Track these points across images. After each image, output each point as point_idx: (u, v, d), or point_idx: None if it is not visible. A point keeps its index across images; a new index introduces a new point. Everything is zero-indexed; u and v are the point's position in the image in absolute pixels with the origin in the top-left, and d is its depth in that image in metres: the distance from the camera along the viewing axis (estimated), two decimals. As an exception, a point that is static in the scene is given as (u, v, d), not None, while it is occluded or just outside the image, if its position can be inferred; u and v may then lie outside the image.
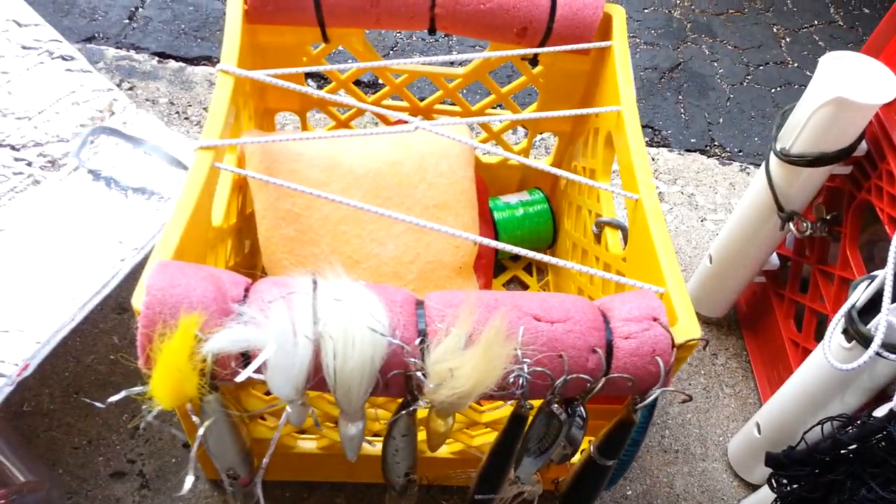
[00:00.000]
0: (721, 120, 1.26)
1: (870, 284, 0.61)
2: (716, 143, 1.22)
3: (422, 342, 0.46)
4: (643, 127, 1.22)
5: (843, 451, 0.56)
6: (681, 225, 1.07)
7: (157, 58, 1.19)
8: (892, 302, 0.57)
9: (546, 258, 0.58)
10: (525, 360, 0.47)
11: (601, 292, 0.73)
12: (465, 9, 0.75)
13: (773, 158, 0.75)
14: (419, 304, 0.49)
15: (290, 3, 0.73)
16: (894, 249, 0.59)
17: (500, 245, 0.59)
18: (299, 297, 0.45)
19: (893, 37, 0.73)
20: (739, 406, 0.88)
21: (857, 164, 0.75)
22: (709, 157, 1.19)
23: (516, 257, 0.95)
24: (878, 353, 0.57)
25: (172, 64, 1.18)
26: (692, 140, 1.22)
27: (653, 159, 1.16)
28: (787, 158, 0.73)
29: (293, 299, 0.45)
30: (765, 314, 0.90)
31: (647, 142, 1.21)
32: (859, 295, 0.61)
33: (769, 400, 0.75)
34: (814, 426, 0.61)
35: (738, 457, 0.81)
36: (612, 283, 0.62)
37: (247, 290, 0.47)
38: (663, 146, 1.20)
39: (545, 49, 0.76)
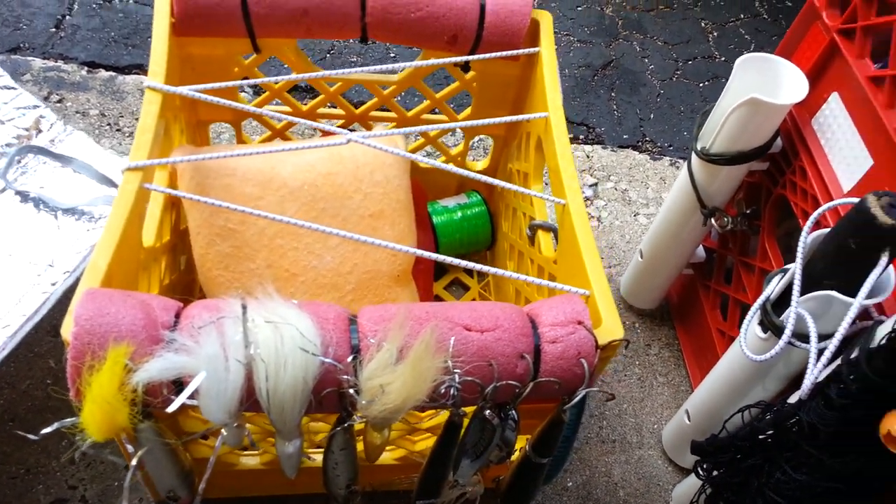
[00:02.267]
0: (652, 115, 1.30)
1: (783, 277, 0.65)
2: (647, 139, 1.26)
3: (354, 359, 0.47)
4: (578, 125, 1.26)
5: (760, 437, 0.60)
6: (615, 220, 1.10)
7: (86, 67, 1.16)
8: (801, 294, 0.61)
9: (478, 266, 0.59)
10: (456, 370, 0.49)
11: (536, 293, 0.75)
12: (395, 18, 0.76)
13: (694, 158, 0.78)
14: (352, 320, 0.50)
15: (219, 16, 0.73)
16: (802, 244, 0.62)
17: (435, 256, 0.60)
18: (230, 321, 0.45)
19: (803, 39, 0.77)
20: (672, 394, 0.92)
21: (773, 161, 0.79)
22: (641, 152, 1.23)
23: (457, 259, 0.97)
24: (789, 343, 0.60)
25: (103, 73, 1.15)
26: (625, 136, 1.26)
27: (587, 156, 1.19)
28: (707, 157, 0.76)
29: (224, 323, 0.45)
30: (693, 305, 0.94)
31: (581, 139, 1.24)
32: (773, 287, 0.65)
33: (697, 388, 0.78)
34: (734, 413, 0.64)
35: (671, 443, 0.85)
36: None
37: (178, 314, 0.48)
38: (597, 143, 1.23)
39: (475, 56, 0.78)
